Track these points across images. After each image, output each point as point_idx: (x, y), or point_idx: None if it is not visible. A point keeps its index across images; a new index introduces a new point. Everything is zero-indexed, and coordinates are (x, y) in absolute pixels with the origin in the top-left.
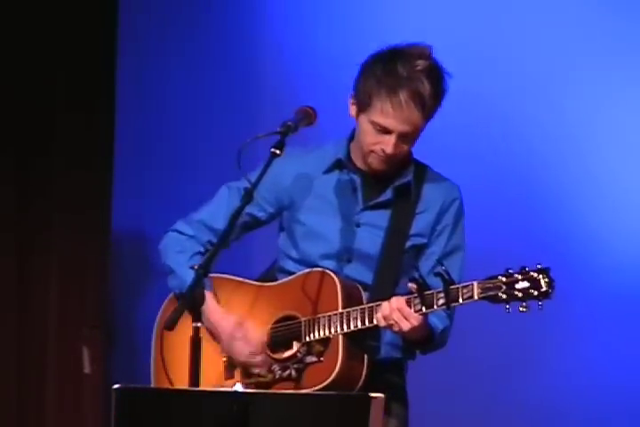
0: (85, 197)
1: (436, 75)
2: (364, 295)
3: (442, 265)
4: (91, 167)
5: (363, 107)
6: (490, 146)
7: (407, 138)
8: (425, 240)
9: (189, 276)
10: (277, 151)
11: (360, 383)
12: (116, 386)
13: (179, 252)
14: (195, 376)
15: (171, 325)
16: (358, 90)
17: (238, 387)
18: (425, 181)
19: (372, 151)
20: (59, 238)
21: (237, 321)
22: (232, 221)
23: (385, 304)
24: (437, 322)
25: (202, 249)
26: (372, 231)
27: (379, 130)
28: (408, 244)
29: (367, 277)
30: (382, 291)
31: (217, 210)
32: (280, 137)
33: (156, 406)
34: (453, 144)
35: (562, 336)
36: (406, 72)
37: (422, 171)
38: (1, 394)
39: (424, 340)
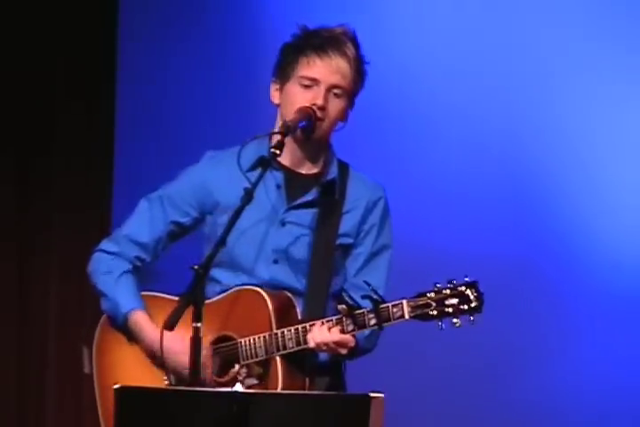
0: (85, 197)
1: (357, 46)
2: (298, 302)
3: (368, 285)
4: (91, 167)
5: (287, 76)
6: (488, 146)
7: (337, 93)
8: (351, 240)
9: (121, 297)
10: (277, 151)
11: None
12: (116, 386)
13: (105, 273)
14: (195, 377)
15: (171, 325)
16: (279, 68)
17: (238, 387)
18: (349, 181)
19: None
20: (59, 238)
21: (180, 336)
22: (233, 220)
23: (316, 332)
24: None
25: (129, 266)
26: (298, 230)
27: (307, 85)
28: (336, 243)
29: (294, 278)
30: (316, 295)
31: (140, 223)
32: (280, 137)
33: (157, 406)
34: (453, 147)
35: (560, 336)
36: (329, 34)
37: (345, 169)
38: (1, 394)
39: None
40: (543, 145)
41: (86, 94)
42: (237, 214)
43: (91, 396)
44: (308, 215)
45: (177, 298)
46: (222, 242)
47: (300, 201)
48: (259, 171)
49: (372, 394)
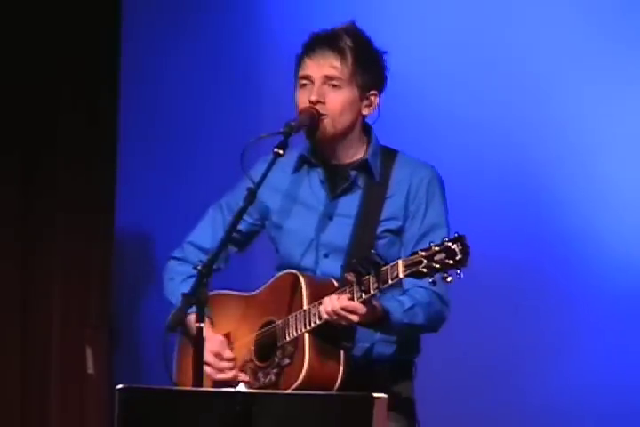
0: (89, 197)
1: (360, 37)
2: None
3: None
4: (94, 167)
5: (295, 84)
6: (491, 146)
7: (334, 84)
8: (400, 223)
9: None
10: (280, 151)
11: (338, 382)
12: (119, 386)
13: (170, 279)
14: (197, 376)
15: (172, 326)
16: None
17: (242, 387)
18: (394, 165)
19: None
20: (62, 238)
21: (221, 342)
22: (235, 220)
23: (326, 301)
24: (405, 300)
25: (194, 271)
26: (344, 222)
27: (304, 84)
28: (380, 229)
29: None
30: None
31: (203, 230)
32: (283, 137)
33: (160, 406)
34: (455, 145)
35: (565, 337)
36: (326, 33)
37: (391, 156)
38: (5, 394)
39: (379, 321)
40: (546, 146)
41: (89, 94)
42: (239, 216)
43: (94, 396)
44: (352, 205)
45: (244, 294)
46: (225, 243)
47: (340, 189)
48: (303, 170)
49: (375, 394)
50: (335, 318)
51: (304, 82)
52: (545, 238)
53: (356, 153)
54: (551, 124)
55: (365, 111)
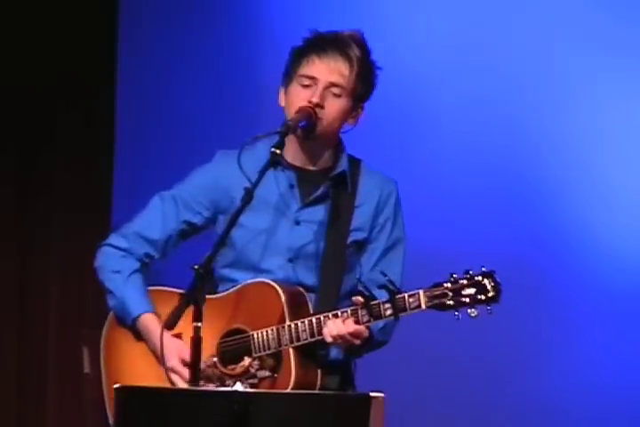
0: (85, 197)
1: (365, 49)
2: (310, 298)
3: (384, 275)
4: (91, 167)
5: (290, 77)
6: (490, 145)
7: (335, 93)
8: (365, 235)
9: (130, 299)
10: (278, 151)
11: None
12: (116, 386)
13: (114, 272)
14: (195, 376)
15: (171, 324)
16: (285, 71)
17: (238, 387)
18: (360, 175)
19: None
20: (59, 238)
21: (180, 349)
22: (232, 220)
23: (331, 325)
24: None
25: (138, 265)
26: (312, 228)
27: (306, 84)
28: (349, 239)
29: (309, 276)
30: (328, 291)
31: (152, 220)
32: (280, 137)
33: (157, 405)
34: (454, 145)
35: (560, 334)
36: (334, 36)
37: (357, 165)
38: (1, 394)
39: (365, 341)
40: (543, 143)
41: (87, 94)
42: (237, 215)
43: (91, 396)
44: (321, 212)
45: (183, 291)
46: (222, 242)
47: (312, 197)
48: (271, 170)
49: (373, 394)
50: (339, 341)
51: (307, 82)
52: (541, 237)
53: (327, 160)
54: (547, 124)
55: (350, 122)
